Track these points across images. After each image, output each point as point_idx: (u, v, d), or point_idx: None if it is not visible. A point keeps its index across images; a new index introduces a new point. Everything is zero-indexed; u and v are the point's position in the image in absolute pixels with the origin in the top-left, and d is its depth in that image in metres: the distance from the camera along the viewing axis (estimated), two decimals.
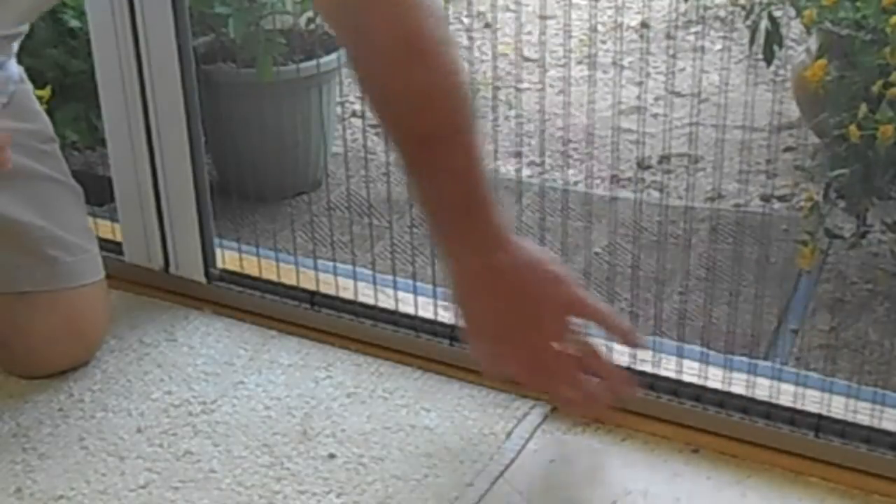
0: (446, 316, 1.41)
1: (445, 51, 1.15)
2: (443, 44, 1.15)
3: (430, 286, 1.44)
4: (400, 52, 1.14)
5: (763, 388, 1.26)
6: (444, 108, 1.15)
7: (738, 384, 1.27)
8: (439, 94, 1.15)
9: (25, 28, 1.40)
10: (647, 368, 1.31)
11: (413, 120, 1.16)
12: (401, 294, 1.44)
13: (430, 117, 1.15)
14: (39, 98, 1.57)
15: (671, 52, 2.77)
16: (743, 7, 2.07)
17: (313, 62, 2.07)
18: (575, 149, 2.39)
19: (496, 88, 2.44)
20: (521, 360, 1.20)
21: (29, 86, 1.44)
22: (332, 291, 1.46)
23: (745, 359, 1.31)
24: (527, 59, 2.59)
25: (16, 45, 1.42)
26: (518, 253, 1.18)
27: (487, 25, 2.76)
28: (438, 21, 1.15)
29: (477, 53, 2.58)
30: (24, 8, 1.36)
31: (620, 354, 1.32)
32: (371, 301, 1.45)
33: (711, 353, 1.31)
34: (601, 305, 1.20)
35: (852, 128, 1.68)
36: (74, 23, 2.02)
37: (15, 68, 1.42)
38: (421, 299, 1.43)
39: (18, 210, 1.36)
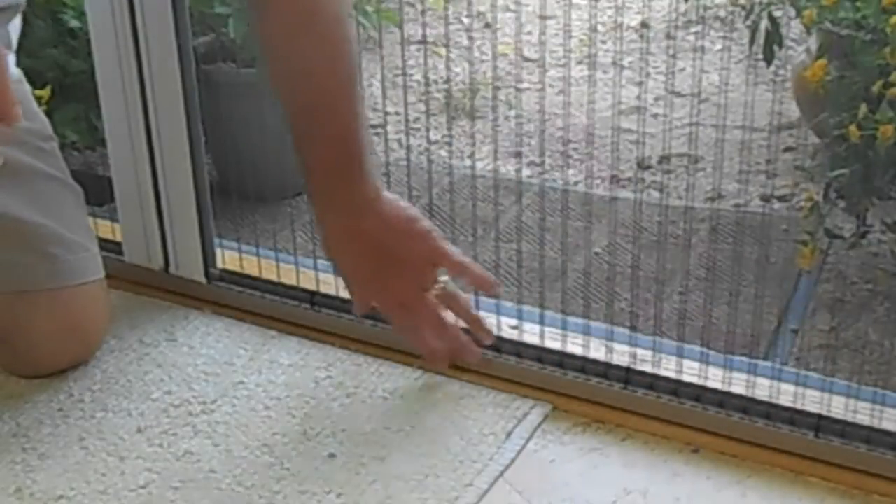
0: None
1: (339, 25, 1.26)
2: (338, 20, 1.26)
3: None
4: (297, 24, 1.25)
5: (763, 389, 1.26)
6: (329, 78, 1.26)
7: (738, 384, 1.27)
8: (327, 65, 1.26)
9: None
10: (647, 368, 1.31)
11: (301, 88, 1.27)
12: None
13: (315, 86, 1.27)
14: (39, 98, 1.57)
15: (671, 52, 2.77)
16: (743, 7, 2.07)
17: None
18: (575, 149, 2.39)
19: (496, 88, 2.44)
20: (388, 305, 1.34)
21: (27, 87, 1.44)
22: (332, 291, 1.46)
23: (745, 359, 1.31)
24: (527, 59, 2.59)
25: (14, 39, 1.41)
26: (385, 214, 1.30)
27: (487, 25, 2.76)
28: None
29: (477, 53, 2.58)
30: None
31: (620, 355, 1.33)
32: None
33: (711, 353, 1.31)
34: (462, 257, 1.33)
35: (852, 128, 1.68)
36: (74, 23, 2.02)
37: (14, 69, 1.42)
38: None
39: (19, 208, 1.36)
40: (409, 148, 2.41)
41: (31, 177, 1.38)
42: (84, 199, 1.45)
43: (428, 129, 2.49)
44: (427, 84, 2.42)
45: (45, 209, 1.38)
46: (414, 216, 1.32)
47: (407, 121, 2.55)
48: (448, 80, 2.47)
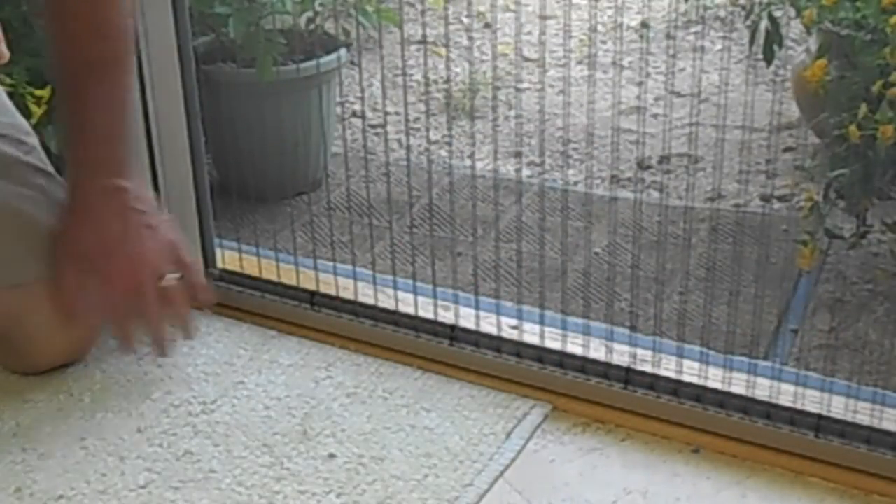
0: (447, 316, 1.41)
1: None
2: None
3: (429, 286, 1.44)
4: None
5: (763, 389, 1.26)
6: (113, 40, 1.30)
7: (738, 384, 1.27)
8: (112, 26, 1.30)
9: None
10: (647, 368, 1.31)
11: (84, 45, 1.29)
12: (401, 294, 1.44)
13: (100, 46, 1.30)
14: (39, 98, 1.57)
15: (671, 52, 2.77)
16: (742, 7, 2.07)
17: (313, 62, 2.07)
18: (575, 149, 2.39)
19: (496, 88, 2.44)
20: (109, 285, 1.32)
21: (0, 89, 1.45)
22: (332, 291, 1.46)
23: (745, 359, 1.31)
24: (527, 59, 2.59)
25: None
26: (132, 200, 1.31)
27: (487, 25, 2.76)
28: None
29: (477, 53, 2.58)
30: None
31: (620, 355, 1.33)
32: (371, 301, 1.45)
33: (711, 353, 1.31)
34: (187, 256, 1.35)
35: (852, 128, 1.68)
36: None
37: None
38: (421, 299, 1.43)
39: (9, 199, 1.36)
40: (409, 148, 2.41)
41: (19, 168, 1.38)
42: None
43: (428, 129, 2.49)
44: (427, 84, 2.43)
45: (35, 200, 1.38)
46: (151, 209, 1.34)
47: (407, 121, 2.55)
48: (448, 80, 2.47)
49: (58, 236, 1.33)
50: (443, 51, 2.40)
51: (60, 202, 1.35)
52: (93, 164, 1.32)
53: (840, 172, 1.75)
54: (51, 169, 1.42)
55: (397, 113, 2.57)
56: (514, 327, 1.38)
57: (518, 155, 2.35)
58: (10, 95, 1.49)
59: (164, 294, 1.33)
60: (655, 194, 2.22)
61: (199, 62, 1.49)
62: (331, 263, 1.49)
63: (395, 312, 1.43)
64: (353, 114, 2.49)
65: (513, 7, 2.28)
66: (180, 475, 1.23)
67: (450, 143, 2.43)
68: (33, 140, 1.43)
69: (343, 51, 2.14)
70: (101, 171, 1.31)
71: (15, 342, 1.39)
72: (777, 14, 2.00)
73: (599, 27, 2.88)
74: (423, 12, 2.37)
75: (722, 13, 2.82)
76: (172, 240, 1.35)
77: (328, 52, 2.11)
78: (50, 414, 1.33)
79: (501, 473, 1.23)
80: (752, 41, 2.02)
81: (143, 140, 1.48)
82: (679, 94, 2.57)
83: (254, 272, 1.51)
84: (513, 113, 2.47)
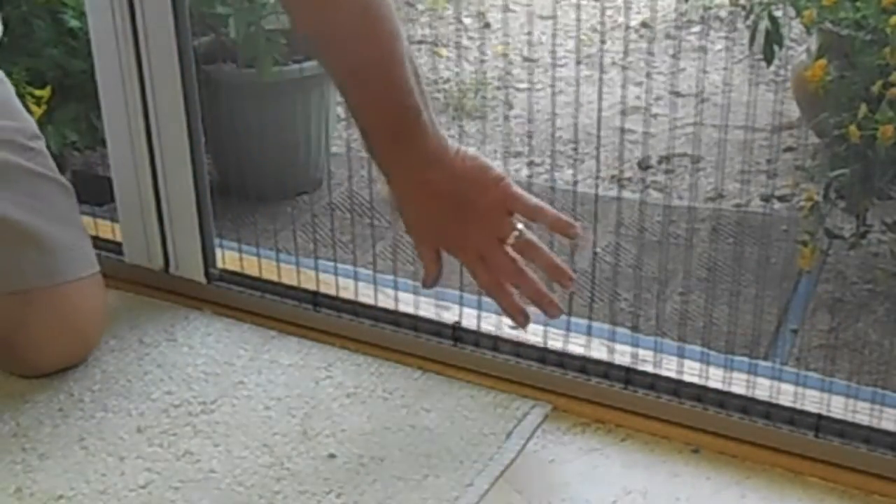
0: (447, 316, 1.41)
1: None
2: None
3: None
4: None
5: (763, 388, 1.26)
6: (364, 43, 1.25)
7: (739, 384, 1.27)
8: (356, 31, 1.25)
9: None
10: (648, 368, 1.31)
11: (338, 56, 1.27)
12: (401, 294, 1.44)
13: (363, 50, 1.25)
14: (39, 98, 1.57)
15: (671, 52, 2.77)
16: (743, 7, 2.07)
17: (314, 62, 2.07)
18: (574, 149, 2.39)
19: (496, 88, 2.44)
20: (467, 258, 1.30)
21: (10, 87, 1.44)
22: (332, 291, 1.46)
23: (745, 359, 1.31)
24: (527, 60, 2.59)
25: None
26: (452, 165, 1.27)
27: (487, 25, 2.76)
28: None
29: (477, 53, 2.58)
30: None
31: (621, 355, 1.33)
32: (372, 301, 1.45)
33: (712, 353, 1.31)
34: (538, 201, 1.29)
35: (852, 128, 1.68)
36: (74, 23, 2.02)
37: None
38: (422, 299, 1.43)
39: (10, 207, 1.36)
40: None
41: (19, 176, 1.38)
42: (75, 196, 1.45)
43: None
44: (427, 84, 2.42)
45: (34, 208, 1.38)
46: (484, 165, 1.28)
47: None
48: (448, 80, 2.47)
49: (407, 226, 1.32)
50: (443, 51, 2.40)
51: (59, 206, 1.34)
52: (397, 163, 1.29)
53: (840, 172, 1.75)
54: (54, 173, 1.42)
55: None
56: (515, 327, 1.38)
57: (518, 155, 2.35)
58: None
59: (524, 248, 1.29)
60: (655, 194, 2.22)
61: (200, 62, 1.49)
62: (331, 263, 1.49)
63: (395, 312, 1.43)
64: None
65: (513, 7, 2.28)
66: (180, 475, 1.23)
67: None
68: (39, 143, 1.43)
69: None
70: (406, 168, 1.28)
71: (16, 347, 1.39)
72: (777, 14, 2.00)
73: (599, 27, 2.88)
74: (423, 12, 2.37)
75: (722, 13, 2.82)
76: (503, 194, 1.28)
77: None
78: (50, 414, 1.33)
79: (501, 473, 1.23)
80: (752, 41, 2.02)
81: (143, 140, 1.48)
82: (679, 94, 2.57)
83: (254, 272, 1.51)
84: (513, 113, 2.47)
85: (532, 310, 1.31)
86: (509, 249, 1.29)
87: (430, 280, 1.32)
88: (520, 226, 1.29)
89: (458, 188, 1.27)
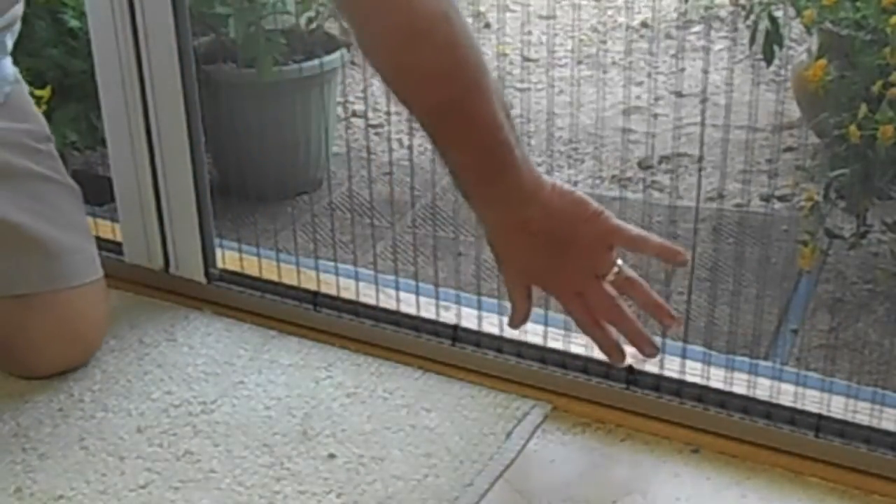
0: (447, 316, 1.41)
1: (444, 24, 1.17)
2: (442, 19, 1.17)
3: (431, 286, 1.44)
4: (397, 37, 1.17)
5: (763, 388, 1.26)
6: (445, 80, 1.18)
7: (739, 384, 1.27)
8: (440, 68, 1.18)
9: (19, 9, 1.39)
10: (648, 368, 1.30)
11: (418, 94, 1.19)
12: (402, 294, 1.44)
13: (433, 90, 1.18)
14: (39, 98, 1.57)
15: (671, 52, 2.78)
16: (743, 7, 2.07)
17: (314, 62, 2.07)
18: (575, 149, 2.39)
19: None
20: (564, 296, 1.24)
21: (24, 86, 1.44)
22: (332, 291, 1.46)
23: (745, 359, 1.31)
24: (527, 59, 2.60)
25: (10, 42, 1.41)
26: (548, 201, 1.21)
27: (487, 25, 2.76)
28: None
29: None
30: None
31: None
32: (372, 301, 1.45)
33: (713, 353, 1.31)
34: (639, 231, 1.24)
35: (852, 128, 1.68)
36: (74, 23, 2.03)
37: (10, 69, 1.42)
38: (422, 299, 1.43)
39: (14, 211, 1.36)
40: (411, 147, 2.41)
41: (26, 179, 1.38)
42: (82, 200, 1.45)
43: None
44: None
45: (42, 211, 1.38)
46: (581, 199, 1.23)
47: (409, 120, 2.55)
48: None
49: (500, 262, 1.26)
50: None
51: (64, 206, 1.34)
52: (491, 203, 1.22)
53: (840, 172, 1.75)
54: (62, 176, 1.42)
55: (399, 113, 2.57)
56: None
57: None
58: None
59: (622, 284, 1.24)
60: (656, 194, 2.22)
61: (200, 62, 1.49)
62: (332, 263, 1.49)
63: (396, 312, 1.43)
64: (354, 114, 2.49)
65: (513, 7, 2.28)
66: (180, 475, 1.23)
67: None
68: (49, 146, 1.43)
69: (344, 50, 2.14)
70: (501, 207, 1.22)
71: (16, 350, 1.39)
72: (777, 14, 2.00)
73: (600, 27, 2.88)
74: None
75: (722, 13, 2.82)
76: (603, 229, 1.23)
77: (329, 52, 2.11)
78: (50, 414, 1.33)
79: (501, 473, 1.23)
80: (752, 41, 2.02)
81: (143, 140, 1.48)
82: (679, 94, 2.57)
83: (254, 272, 1.52)
84: (513, 113, 2.47)
85: (629, 349, 1.27)
86: (607, 285, 1.24)
87: (519, 319, 1.28)
88: (619, 261, 1.24)
89: (555, 226, 1.22)
